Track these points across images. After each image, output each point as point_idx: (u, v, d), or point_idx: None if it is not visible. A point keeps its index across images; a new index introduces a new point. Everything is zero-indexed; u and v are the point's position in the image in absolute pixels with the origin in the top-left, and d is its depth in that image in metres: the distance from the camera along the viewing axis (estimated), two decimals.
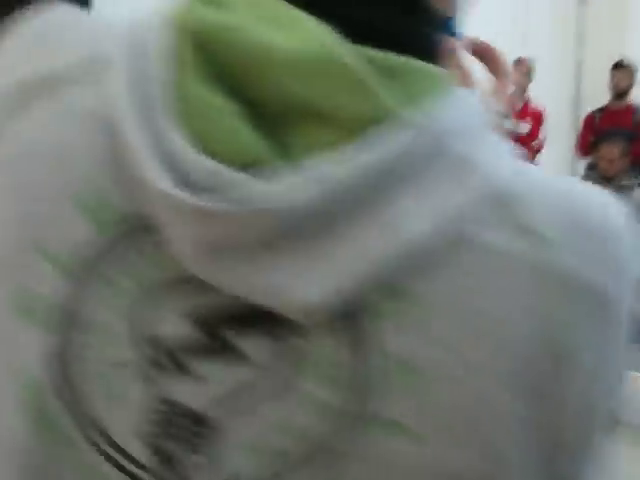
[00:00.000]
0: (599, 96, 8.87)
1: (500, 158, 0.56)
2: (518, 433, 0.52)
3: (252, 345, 0.53)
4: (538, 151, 7.21)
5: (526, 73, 7.09)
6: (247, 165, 0.51)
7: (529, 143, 6.94)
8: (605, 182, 5.67)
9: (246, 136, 0.52)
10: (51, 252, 0.56)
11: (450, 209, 0.52)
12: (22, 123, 0.59)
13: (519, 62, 7.11)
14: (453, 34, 0.71)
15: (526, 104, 7.11)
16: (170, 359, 0.54)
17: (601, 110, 7.23)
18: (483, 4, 8.19)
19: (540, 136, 7.14)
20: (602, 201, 0.58)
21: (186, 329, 0.54)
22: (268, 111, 0.53)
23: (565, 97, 9.46)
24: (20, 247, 0.57)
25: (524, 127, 6.96)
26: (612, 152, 5.63)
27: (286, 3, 0.56)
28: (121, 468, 0.54)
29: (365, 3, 0.57)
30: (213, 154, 0.52)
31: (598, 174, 5.70)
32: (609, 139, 5.84)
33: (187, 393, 0.54)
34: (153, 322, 0.54)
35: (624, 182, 5.71)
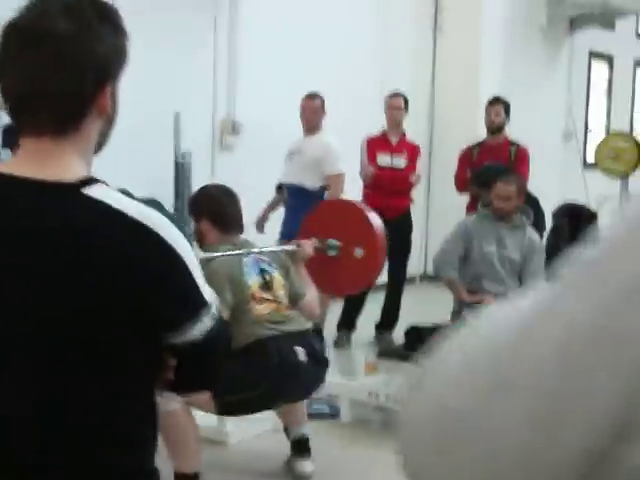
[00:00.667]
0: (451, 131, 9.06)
1: None
2: None
3: None
4: (415, 185, 7.15)
5: (401, 107, 7.03)
6: None
7: (407, 177, 6.88)
8: (498, 220, 5.59)
9: None
10: None
11: None
12: None
13: (395, 96, 7.07)
14: None
15: (402, 139, 7.05)
16: None
17: (479, 145, 7.22)
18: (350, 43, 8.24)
19: (417, 170, 7.09)
20: None
21: None
22: None
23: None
24: None
25: (401, 162, 6.90)
26: (508, 190, 5.52)
27: None
28: None
29: None
30: None
31: (492, 212, 5.58)
32: (503, 177, 5.73)
33: None
34: None
35: (516, 222, 5.63)
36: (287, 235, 5.99)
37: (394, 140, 7.02)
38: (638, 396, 0.49)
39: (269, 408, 4.20)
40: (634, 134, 11.56)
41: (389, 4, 9.08)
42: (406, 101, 7.09)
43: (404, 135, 7.10)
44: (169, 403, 3.81)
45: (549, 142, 10.62)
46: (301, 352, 4.01)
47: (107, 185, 1.51)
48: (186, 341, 1.53)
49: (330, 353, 6.85)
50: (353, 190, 6.59)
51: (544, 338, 0.52)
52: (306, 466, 4.36)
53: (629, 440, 0.50)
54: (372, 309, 7.07)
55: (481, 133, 7.62)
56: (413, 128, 7.68)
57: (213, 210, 4.22)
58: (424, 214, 9.64)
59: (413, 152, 7.09)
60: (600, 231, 0.55)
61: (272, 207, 6.88)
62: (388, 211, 6.80)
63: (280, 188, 6.75)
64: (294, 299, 4.29)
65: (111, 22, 1.55)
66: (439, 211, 9.50)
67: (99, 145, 1.61)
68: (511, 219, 5.58)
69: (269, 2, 7.71)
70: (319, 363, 4.17)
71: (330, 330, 6.90)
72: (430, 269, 9.48)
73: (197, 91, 7.28)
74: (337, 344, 6.96)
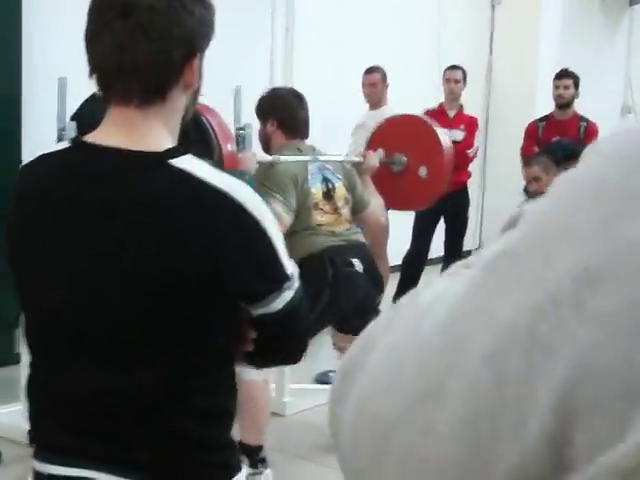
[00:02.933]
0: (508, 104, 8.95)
1: None
2: None
3: None
4: (473, 159, 7.09)
5: (459, 80, 6.97)
6: None
7: (464, 151, 6.81)
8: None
9: None
10: None
11: None
12: None
13: (453, 69, 7.00)
14: None
15: (459, 112, 6.99)
16: None
17: (545, 119, 7.08)
18: (401, 19, 8.16)
19: (475, 144, 7.02)
20: None
21: None
22: None
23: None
24: None
25: (458, 135, 6.83)
26: (532, 172, 5.45)
27: None
28: None
29: None
30: None
31: (531, 195, 5.51)
32: (530, 162, 5.65)
33: None
34: None
35: None
36: None
37: (451, 113, 6.96)
38: (573, 412, 0.41)
39: (328, 322, 4.04)
40: None
41: None
42: (464, 74, 7.02)
43: (461, 108, 7.03)
44: (250, 373, 3.83)
45: (607, 116, 10.46)
46: (357, 264, 3.92)
47: (193, 157, 1.51)
48: (267, 313, 1.54)
49: None
50: None
51: (471, 343, 0.46)
52: None
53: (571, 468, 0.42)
54: None
55: (539, 107, 7.50)
56: (470, 102, 7.60)
57: (281, 111, 4.04)
58: (480, 189, 9.57)
59: (471, 125, 7.02)
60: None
61: None
62: None
63: None
64: (358, 208, 4.16)
65: None
66: (495, 186, 9.42)
67: (184, 119, 1.60)
68: None
69: None
70: (374, 280, 4.06)
71: (386, 304, 6.89)
72: (485, 244, 9.43)
73: (256, 65, 7.27)
74: None
